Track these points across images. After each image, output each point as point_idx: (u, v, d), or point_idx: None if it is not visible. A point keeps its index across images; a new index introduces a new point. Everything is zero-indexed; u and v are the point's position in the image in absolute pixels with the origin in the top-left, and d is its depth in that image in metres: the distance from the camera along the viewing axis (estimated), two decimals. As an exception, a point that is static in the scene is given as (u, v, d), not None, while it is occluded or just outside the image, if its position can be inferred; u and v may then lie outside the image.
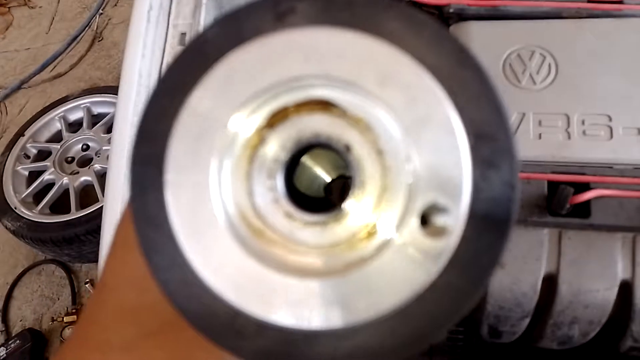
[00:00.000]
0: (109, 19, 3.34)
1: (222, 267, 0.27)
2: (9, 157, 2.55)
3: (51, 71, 3.16)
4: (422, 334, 0.26)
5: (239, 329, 0.27)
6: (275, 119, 0.28)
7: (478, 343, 1.15)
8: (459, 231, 0.25)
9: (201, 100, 0.27)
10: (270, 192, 0.29)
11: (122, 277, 0.34)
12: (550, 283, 0.89)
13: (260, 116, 0.28)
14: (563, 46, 0.99)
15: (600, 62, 0.96)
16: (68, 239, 2.30)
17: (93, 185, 2.46)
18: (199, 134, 0.27)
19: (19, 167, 2.54)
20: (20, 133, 2.64)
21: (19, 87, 3.10)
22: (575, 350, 0.97)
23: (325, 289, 0.26)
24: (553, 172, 0.92)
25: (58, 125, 2.67)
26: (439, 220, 0.26)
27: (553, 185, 0.91)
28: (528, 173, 0.92)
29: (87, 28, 3.21)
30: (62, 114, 2.66)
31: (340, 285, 0.26)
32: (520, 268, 0.89)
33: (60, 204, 2.48)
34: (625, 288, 0.87)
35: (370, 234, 0.27)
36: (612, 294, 0.87)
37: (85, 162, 2.58)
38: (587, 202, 0.88)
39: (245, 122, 0.28)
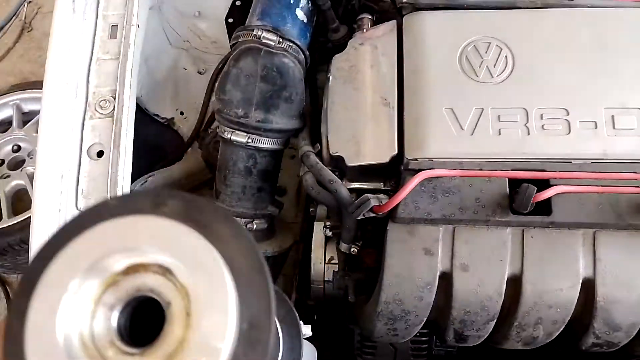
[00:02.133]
0: (38, 8, 3.08)
1: None
2: None
3: (-25, 65, 2.88)
4: None
5: None
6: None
7: (442, 346, 1.12)
8: None
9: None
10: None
11: None
12: (514, 284, 0.86)
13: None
14: (519, 37, 0.96)
15: (556, 54, 0.93)
16: (0, 249, 2.11)
17: (26, 190, 2.27)
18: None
19: (-58, 171, 2.31)
20: (-57, 132, 2.39)
21: (-62, 84, 2.81)
22: (538, 349, 0.95)
23: None
24: (513, 169, 0.89)
25: (-16, 125, 2.44)
26: None
27: (514, 182, 0.88)
28: (489, 171, 0.88)
29: (14, 17, 2.95)
30: (-12, 112, 2.44)
31: None
32: (484, 270, 0.86)
33: (-10, 212, 2.27)
34: (587, 285, 0.85)
35: None
36: (575, 292, 0.85)
37: (17, 164, 2.37)
38: (548, 200, 0.86)
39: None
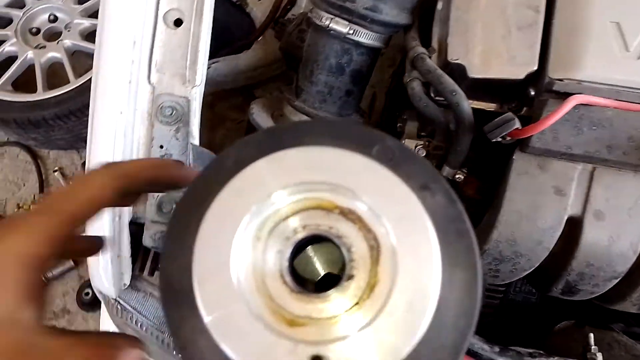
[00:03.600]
0: None
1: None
2: (-39, 21, 2.17)
3: None
4: None
5: None
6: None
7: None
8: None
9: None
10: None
11: None
12: (654, 242, 0.74)
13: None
14: None
15: None
16: (34, 122, 2.02)
17: (62, 64, 2.13)
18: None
19: (-26, 35, 2.18)
20: (-27, -9, 2.22)
21: None
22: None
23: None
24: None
25: (19, -12, 2.26)
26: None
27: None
28: (628, 103, 0.72)
29: None
30: (24, -26, 2.24)
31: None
32: (622, 222, 0.73)
33: (24, 82, 2.16)
34: None
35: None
36: None
37: (53, 35, 2.23)
38: None
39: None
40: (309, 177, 0.33)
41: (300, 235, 0.35)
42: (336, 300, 0.32)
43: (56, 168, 2.39)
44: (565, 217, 0.75)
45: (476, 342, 0.74)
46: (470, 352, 0.76)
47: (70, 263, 2.25)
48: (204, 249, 0.32)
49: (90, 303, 2.19)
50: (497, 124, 0.73)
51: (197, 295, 0.32)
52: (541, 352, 0.76)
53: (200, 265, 0.32)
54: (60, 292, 2.27)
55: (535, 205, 0.75)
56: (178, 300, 0.32)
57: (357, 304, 0.32)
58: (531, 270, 0.80)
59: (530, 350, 0.76)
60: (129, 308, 0.95)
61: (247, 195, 0.33)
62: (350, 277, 0.33)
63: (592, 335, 0.83)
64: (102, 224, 0.83)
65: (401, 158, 0.33)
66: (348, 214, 0.34)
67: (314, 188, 0.34)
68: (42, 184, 2.38)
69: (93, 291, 2.15)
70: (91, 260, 0.88)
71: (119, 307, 0.96)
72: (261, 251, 0.34)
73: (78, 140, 2.24)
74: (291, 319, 0.32)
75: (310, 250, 0.36)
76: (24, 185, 2.42)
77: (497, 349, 0.73)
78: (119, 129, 0.79)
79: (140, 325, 0.96)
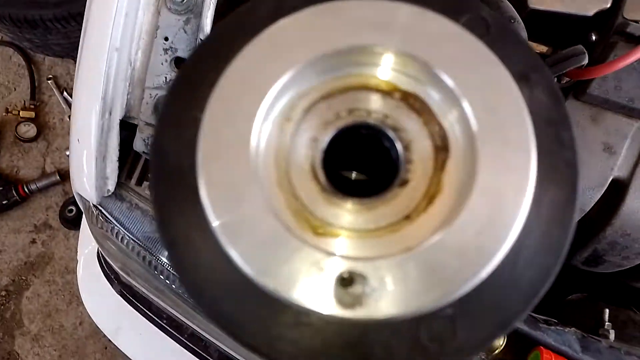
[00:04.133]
0: None
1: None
2: None
3: None
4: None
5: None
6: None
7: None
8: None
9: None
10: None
11: None
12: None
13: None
14: None
15: None
16: (31, 21, 1.88)
17: (68, -39, 1.97)
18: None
19: None
20: None
21: None
22: None
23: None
24: None
25: None
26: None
27: None
28: None
29: None
30: None
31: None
32: (673, 192, 0.66)
33: (24, -25, 2.01)
34: None
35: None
36: None
37: None
38: None
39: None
40: (370, 39, 0.24)
41: (344, 121, 0.26)
42: (380, 210, 0.25)
43: (50, 76, 2.27)
44: (610, 179, 0.67)
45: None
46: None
47: (56, 177, 2.17)
48: (216, 119, 0.24)
49: (73, 220, 2.13)
50: (565, 55, 0.63)
51: (200, 178, 0.23)
52: (555, 320, 0.69)
53: (209, 139, 0.24)
54: (44, 205, 2.20)
55: (579, 160, 0.66)
56: (173, 182, 0.24)
57: (407, 217, 0.24)
58: (559, 232, 0.73)
59: (545, 318, 0.69)
60: (111, 219, 0.87)
61: (283, 55, 0.24)
62: (404, 182, 0.25)
63: (607, 311, 0.77)
64: (89, 121, 0.74)
65: (498, 34, 0.24)
66: (412, 101, 0.25)
67: (372, 60, 0.24)
68: (34, 91, 2.26)
69: (77, 209, 2.10)
70: (74, 159, 0.79)
71: (100, 217, 0.88)
72: (290, 136, 0.25)
73: (75, 49, 2.10)
74: (318, 226, 0.24)
75: (354, 175, 0.29)
76: (15, 89, 2.31)
77: (510, 310, 0.66)
78: (120, 9, 0.69)
79: (122, 239, 0.88)
